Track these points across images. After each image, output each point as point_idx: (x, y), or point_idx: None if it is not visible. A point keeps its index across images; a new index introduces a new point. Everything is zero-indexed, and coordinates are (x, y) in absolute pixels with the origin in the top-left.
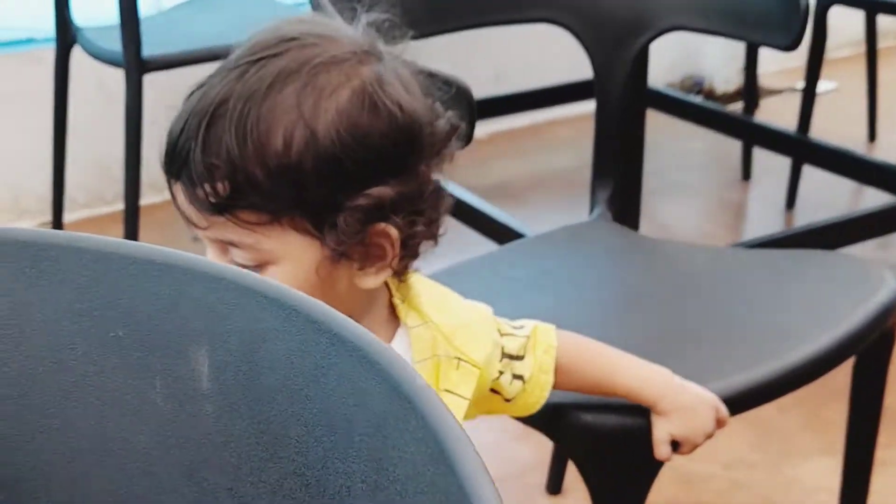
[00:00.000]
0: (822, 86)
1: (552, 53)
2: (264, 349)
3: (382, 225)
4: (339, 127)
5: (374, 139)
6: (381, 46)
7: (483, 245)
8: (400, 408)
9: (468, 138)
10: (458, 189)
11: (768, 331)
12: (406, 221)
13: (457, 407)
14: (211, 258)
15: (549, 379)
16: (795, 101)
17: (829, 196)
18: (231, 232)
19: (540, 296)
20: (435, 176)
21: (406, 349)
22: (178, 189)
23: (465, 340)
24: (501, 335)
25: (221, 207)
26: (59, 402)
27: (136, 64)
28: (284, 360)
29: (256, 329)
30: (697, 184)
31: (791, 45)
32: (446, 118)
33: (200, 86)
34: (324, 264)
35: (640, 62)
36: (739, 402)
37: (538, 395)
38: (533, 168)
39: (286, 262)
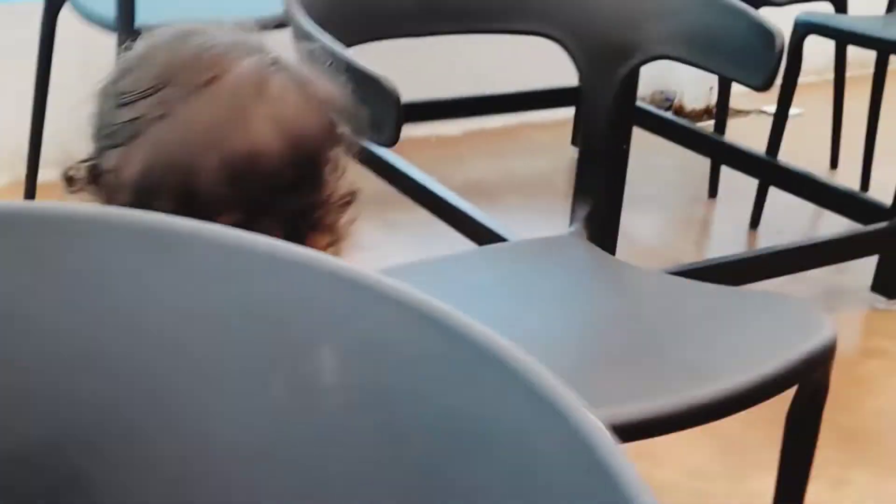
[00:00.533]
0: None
1: (530, 59)
2: (391, 351)
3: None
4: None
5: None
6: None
7: (457, 242)
8: (545, 417)
9: (393, 140)
10: (435, 184)
11: (686, 364)
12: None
13: None
14: None
15: None
16: (761, 123)
17: (792, 218)
18: None
19: (491, 303)
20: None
21: None
22: None
23: None
24: None
25: None
26: (180, 394)
27: (128, 31)
28: (410, 363)
29: (383, 331)
30: (665, 199)
31: (762, 86)
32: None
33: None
34: None
35: (629, 83)
36: (626, 431)
37: None
38: (507, 169)
39: None
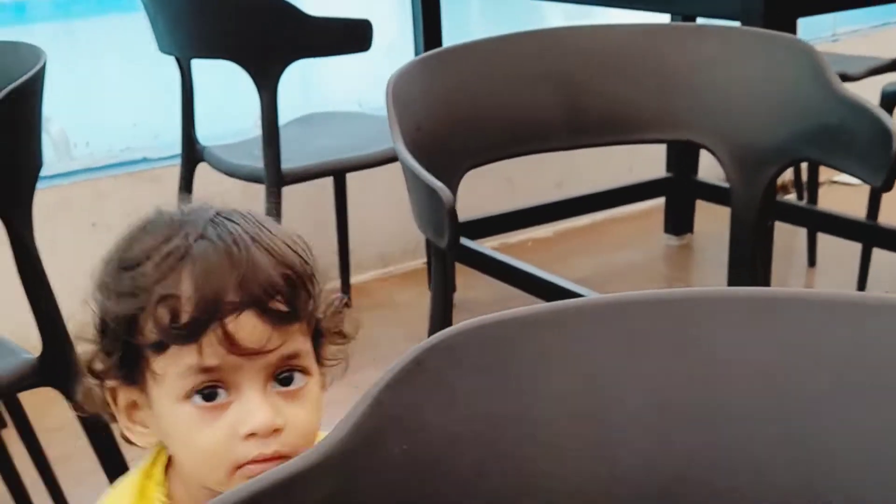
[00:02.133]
0: None
1: (615, 156)
2: None
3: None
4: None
5: None
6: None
7: None
8: None
9: (451, 244)
10: (561, 280)
11: None
12: None
13: None
14: (260, 406)
15: None
16: (836, 192)
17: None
18: (300, 341)
19: None
20: None
21: None
22: (244, 319)
23: None
24: None
25: (299, 314)
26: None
27: (276, 177)
28: None
29: None
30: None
31: (883, 187)
32: None
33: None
34: None
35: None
36: None
37: None
38: (606, 263)
39: (313, 372)
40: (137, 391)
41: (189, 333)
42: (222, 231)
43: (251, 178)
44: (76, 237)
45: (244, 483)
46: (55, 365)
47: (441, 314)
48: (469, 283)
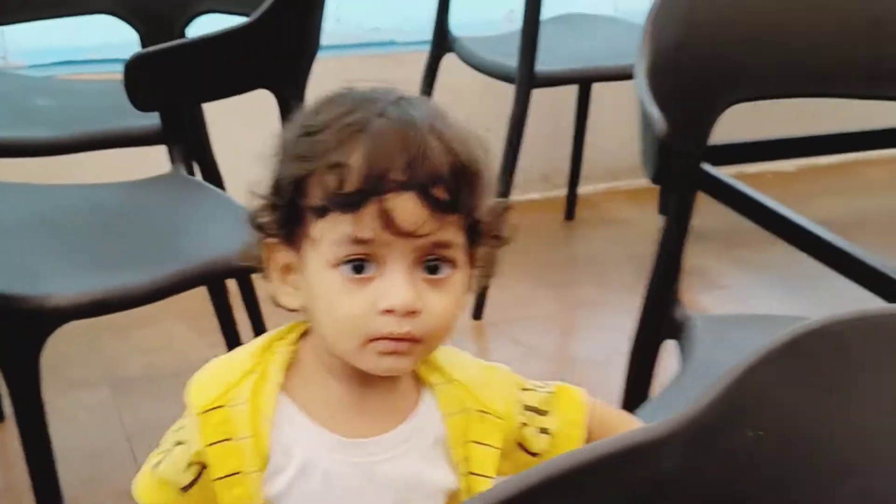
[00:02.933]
0: None
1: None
2: None
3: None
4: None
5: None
6: None
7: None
8: None
9: (655, 175)
10: (804, 220)
11: None
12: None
13: (488, 457)
14: (402, 285)
15: (581, 433)
16: None
17: None
18: (453, 233)
19: None
20: None
21: (433, 406)
22: (405, 200)
23: (486, 394)
24: (522, 390)
25: (458, 206)
26: None
27: (528, 77)
28: None
29: None
30: None
31: None
32: None
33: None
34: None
35: None
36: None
37: (570, 448)
38: (852, 208)
39: (461, 266)
40: (294, 253)
41: (350, 202)
42: (402, 112)
43: (501, 75)
44: None
45: (593, 445)
46: None
47: (673, 243)
48: (700, 209)
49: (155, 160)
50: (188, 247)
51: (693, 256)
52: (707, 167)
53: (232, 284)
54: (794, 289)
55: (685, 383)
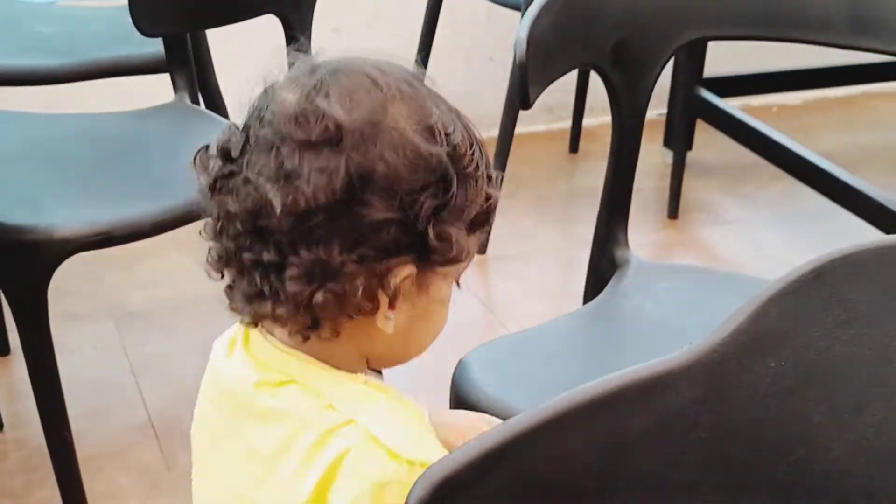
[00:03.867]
0: None
1: None
2: None
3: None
4: None
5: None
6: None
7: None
8: None
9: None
10: (811, 153)
11: None
12: None
13: None
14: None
15: None
16: None
17: None
18: None
19: None
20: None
21: None
22: None
23: None
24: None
25: None
26: None
27: None
28: None
29: None
30: None
31: None
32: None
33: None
34: None
35: None
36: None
37: None
38: (859, 142)
39: None
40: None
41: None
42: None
43: (506, 2)
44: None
45: (618, 374)
46: None
47: (621, 177)
48: (706, 141)
49: (158, 89)
50: (192, 177)
51: (698, 191)
52: (709, 96)
53: None
54: (799, 224)
55: (562, 324)
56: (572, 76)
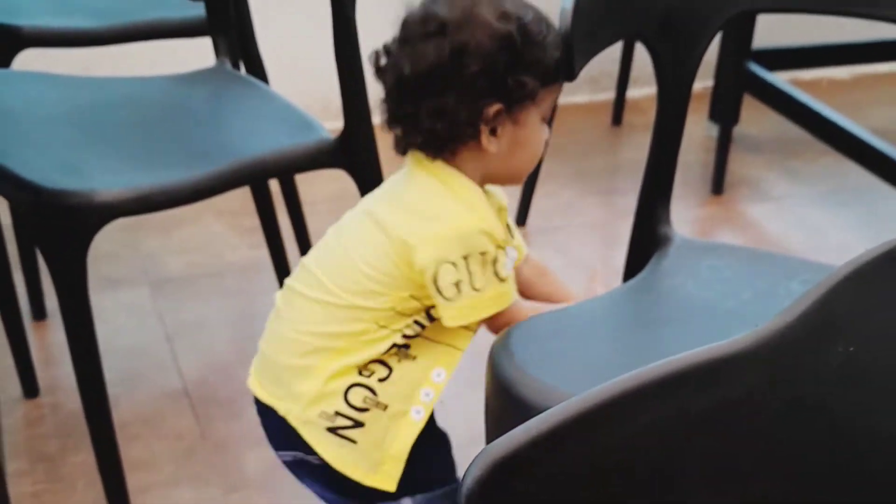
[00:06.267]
0: None
1: None
2: None
3: None
4: None
5: None
6: None
7: (872, 195)
8: None
9: (568, 76)
10: (859, 129)
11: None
12: None
13: None
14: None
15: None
16: None
17: None
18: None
19: None
20: None
21: None
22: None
23: None
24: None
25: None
26: None
27: None
28: None
29: None
30: None
31: None
32: None
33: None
34: None
35: None
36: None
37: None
38: None
39: None
40: (510, 114)
41: (563, 75)
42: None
43: None
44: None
45: (681, 357)
46: (351, 148)
47: (665, 155)
48: (753, 115)
49: (199, 53)
50: (233, 144)
51: (743, 166)
52: (757, 69)
53: (274, 185)
54: (846, 201)
55: (602, 302)
56: (616, 46)
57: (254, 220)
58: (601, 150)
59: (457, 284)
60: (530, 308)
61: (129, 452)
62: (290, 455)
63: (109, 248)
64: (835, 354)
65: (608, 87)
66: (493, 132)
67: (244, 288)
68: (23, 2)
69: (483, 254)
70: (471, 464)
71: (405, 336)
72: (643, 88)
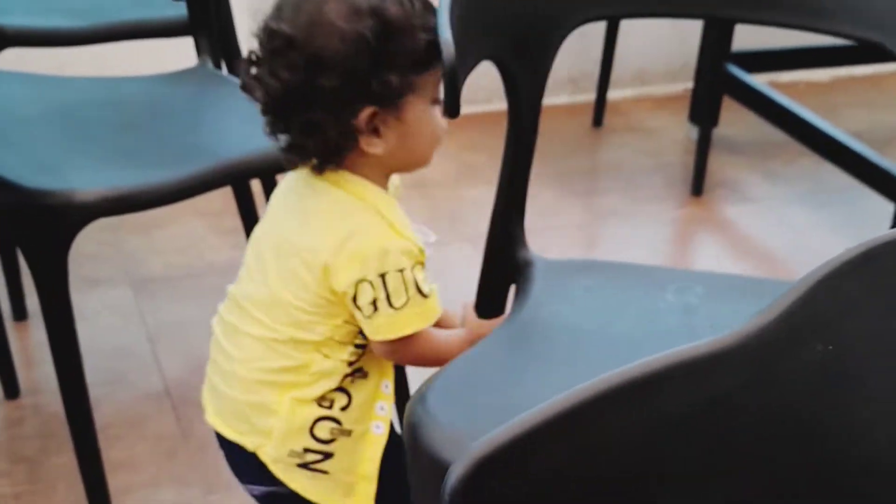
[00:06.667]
0: None
1: None
2: None
3: None
4: None
5: None
6: None
7: (851, 198)
8: None
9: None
10: (840, 132)
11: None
12: None
13: None
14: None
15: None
16: None
17: None
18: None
19: None
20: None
21: None
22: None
23: None
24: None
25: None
26: None
27: None
28: None
29: None
30: None
31: None
32: None
33: None
34: None
35: None
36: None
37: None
38: (888, 122)
39: None
40: (387, 110)
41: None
42: None
43: None
44: None
45: (659, 357)
46: None
47: (512, 170)
48: (732, 117)
49: (181, 53)
50: (214, 145)
51: (723, 168)
52: (736, 72)
53: (255, 185)
54: (825, 202)
55: (503, 337)
56: (598, 47)
57: (235, 221)
58: (582, 151)
59: (374, 303)
60: (441, 338)
61: (111, 453)
62: (259, 489)
63: (91, 249)
64: (814, 353)
65: (588, 89)
66: (375, 132)
67: (225, 289)
68: (2, 2)
69: (400, 271)
70: (455, 462)
71: (350, 364)
72: (624, 90)
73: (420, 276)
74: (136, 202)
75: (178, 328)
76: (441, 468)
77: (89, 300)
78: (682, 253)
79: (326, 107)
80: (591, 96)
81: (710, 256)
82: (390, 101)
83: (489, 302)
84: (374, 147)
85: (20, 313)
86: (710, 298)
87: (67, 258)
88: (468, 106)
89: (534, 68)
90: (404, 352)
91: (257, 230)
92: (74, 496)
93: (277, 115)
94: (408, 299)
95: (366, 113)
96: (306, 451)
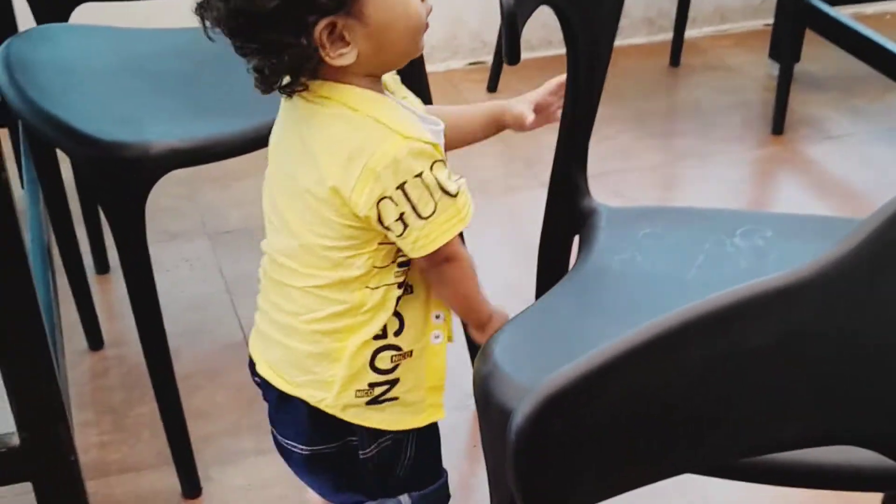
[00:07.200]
0: None
1: None
2: None
3: None
4: None
5: None
6: None
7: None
8: None
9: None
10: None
11: None
12: None
13: None
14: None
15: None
16: None
17: None
18: None
19: None
20: None
21: None
22: None
23: None
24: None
25: None
26: None
27: None
28: None
29: None
30: None
31: None
32: None
33: None
34: None
35: None
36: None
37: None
38: None
39: None
40: (349, 16)
41: None
42: None
43: None
44: None
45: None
46: None
47: (578, 118)
48: (814, 52)
49: None
50: None
51: (805, 105)
52: (819, 4)
53: None
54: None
55: (569, 287)
56: None
57: None
58: (659, 92)
59: (401, 218)
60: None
61: (192, 403)
62: (308, 450)
63: (168, 203)
64: (891, 284)
65: (666, 28)
66: (342, 40)
67: None
68: None
69: (419, 175)
70: (521, 401)
71: (399, 286)
72: (702, 28)
73: (441, 174)
74: (210, 153)
75: (256, 279)
76: (502, 413)
77: (168, 253)
78: (763, 193)
79: (276, 27)
80: (668, 35)
81: (791, 197)
82: (341, 6)
83: (553, 252)
84: (344, 58)
85: (102, 267)
86: (780, 239)
87: (144, 211)
88: (547, 49)
89: (591, 16)
90: (450, 273)
91: (266, 178)
92: (157, 445)
93: (236, 37)
94: (435, 204)
95: (321, 26)
96: (371, 385)
